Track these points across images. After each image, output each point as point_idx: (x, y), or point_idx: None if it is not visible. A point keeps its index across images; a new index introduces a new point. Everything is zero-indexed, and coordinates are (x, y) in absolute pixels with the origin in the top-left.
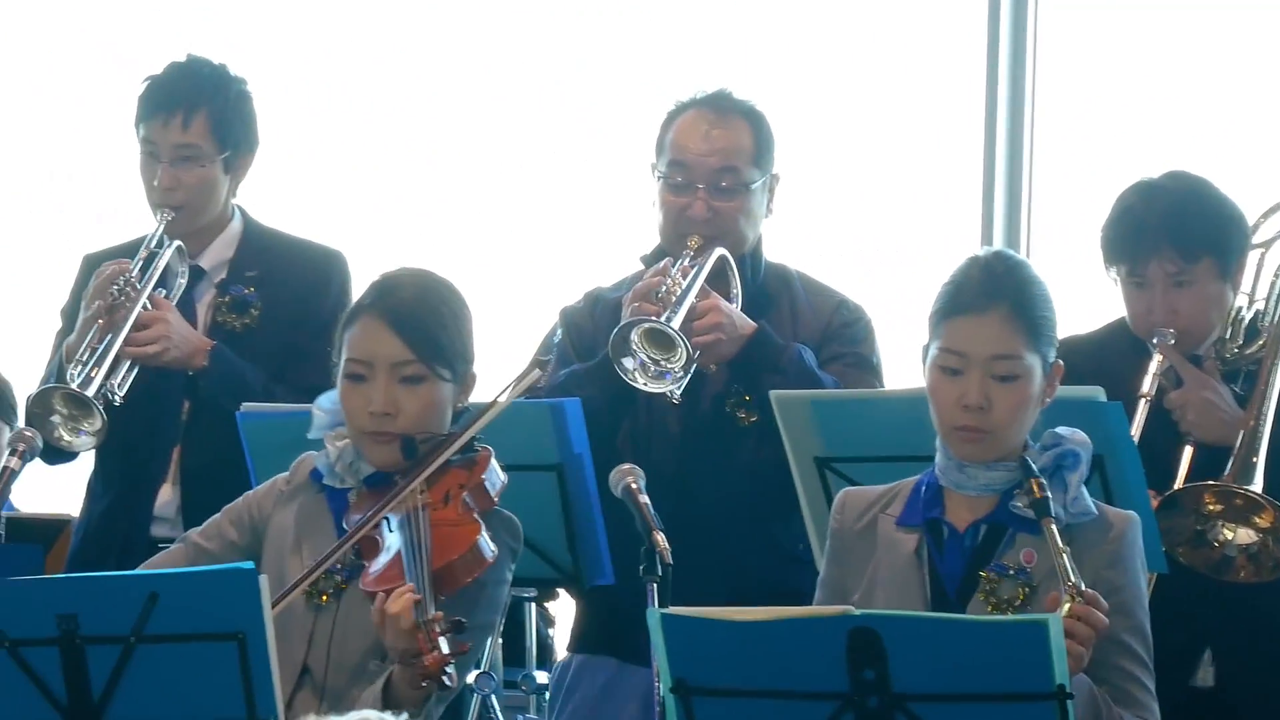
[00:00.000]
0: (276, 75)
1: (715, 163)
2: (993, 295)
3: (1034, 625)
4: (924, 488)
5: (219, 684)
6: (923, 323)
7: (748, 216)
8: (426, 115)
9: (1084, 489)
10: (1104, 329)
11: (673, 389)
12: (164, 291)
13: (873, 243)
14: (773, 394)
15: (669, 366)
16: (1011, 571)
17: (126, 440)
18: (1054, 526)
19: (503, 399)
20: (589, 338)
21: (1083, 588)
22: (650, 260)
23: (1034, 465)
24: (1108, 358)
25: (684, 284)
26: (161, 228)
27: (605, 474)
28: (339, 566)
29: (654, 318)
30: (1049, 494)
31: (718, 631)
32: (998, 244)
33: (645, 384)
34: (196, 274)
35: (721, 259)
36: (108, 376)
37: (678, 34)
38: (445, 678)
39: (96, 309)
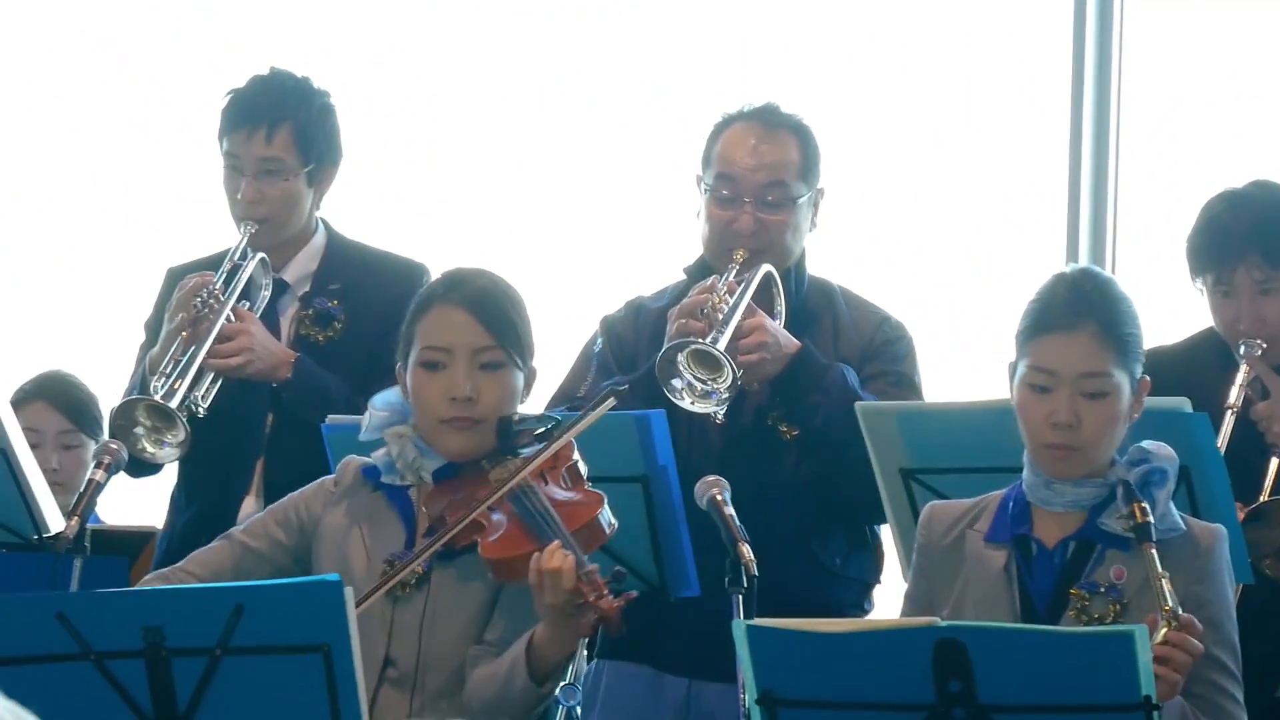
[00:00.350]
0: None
1: (763, 177)
2: (1081, 313)
3: (1120, 636)
4: (1011, 504)
5: (304, 696)
6: (1010, 336)
7: (794, 231)
8: (426, 115)
9: (1171, 505)
10: (1190, 340)
11: (717, 409)
12: (248, 304)
13: (957, 254)
14: (858, 405)
15: (715, 387)
16: (1103, 589)
17: (210, 452)
18: (1154, 551)
19: (593, 413)
20: (630, 346)
21: (1180, 613)
22: (693, 272)
23: (1134, 486)
24: (1194, 369)
25: (730, 301)
26: (245, 241)
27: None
28: (416, 559)
29: (700, 339)
30: (1151, 518)
31: (804, 643)
32: (1083, 256)
33: (691, 404)
34: (280, 287)
35: (767, 275)
36: (191, 388)
37: (684, 34)
38: (623, 622)
39: (180, 321)
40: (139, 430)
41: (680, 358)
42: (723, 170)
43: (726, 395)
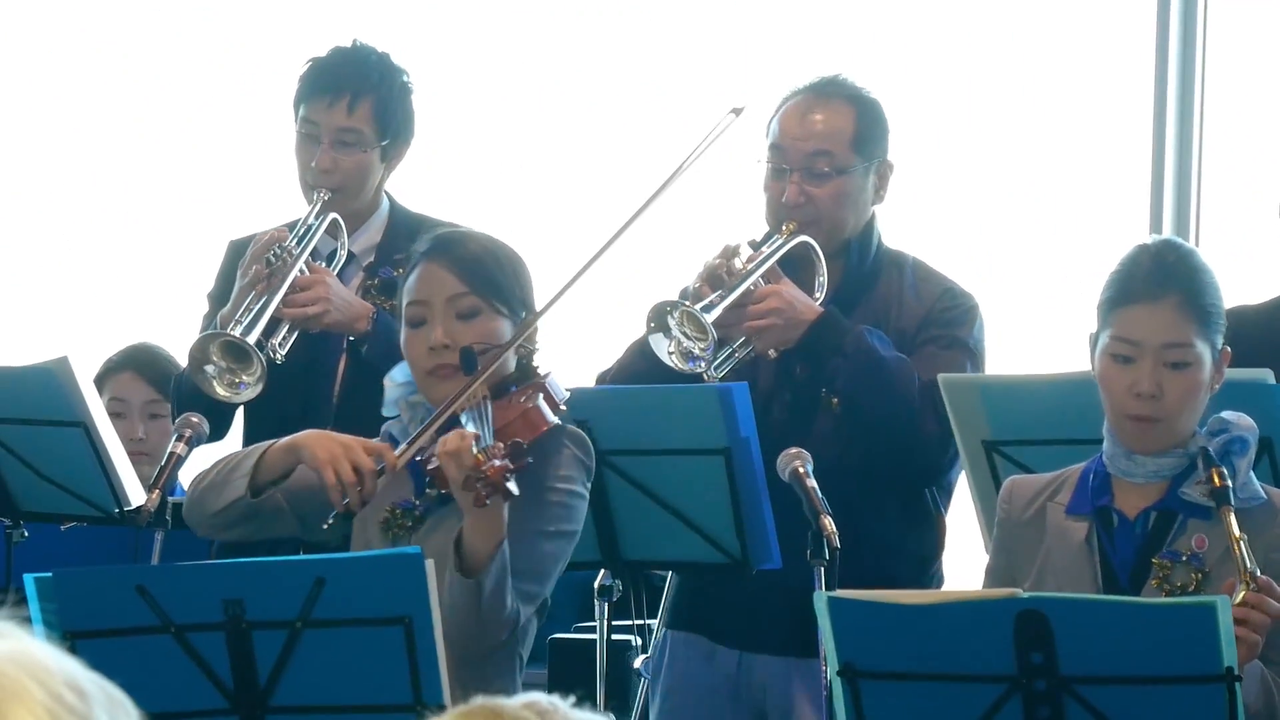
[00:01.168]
0: (276, 76)
1: (810, 146)
2: (1164, 284)
3: (1202, 607)
4: (1091, 476)
5: (385, 668)
6: (1093, 310)
7: (843, 202)
8: (426, 116)
9: (1252, 474)
10: (1274, 300)
11: (706, 372)
12: (322, 263)
13: (1042, 226)
14: (941, 377)
15: (695, 351)
16: (1185, 558)
17: (280, 414)
18: (1232, 515)
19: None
20: None
21: (1259, 574)
22: (758, 245)
23: (1212, 453)
24: (1278, 329)
25: (749, 268)
26: (316, 208)
27: None
28: (415, 503)
29: (686, 302)
30: (1230, 483)
31: (885, 615)
32: (1167, 228)
33: (671, 359)
34: (346, 257)
35: (804, 246)
36: (267, 336)
37: (689, 33)
38: (509, 485)
39: (254, 274)
40: (210, 369)
41: (672, 316)
42: (774, 141)
43: (704, 362)
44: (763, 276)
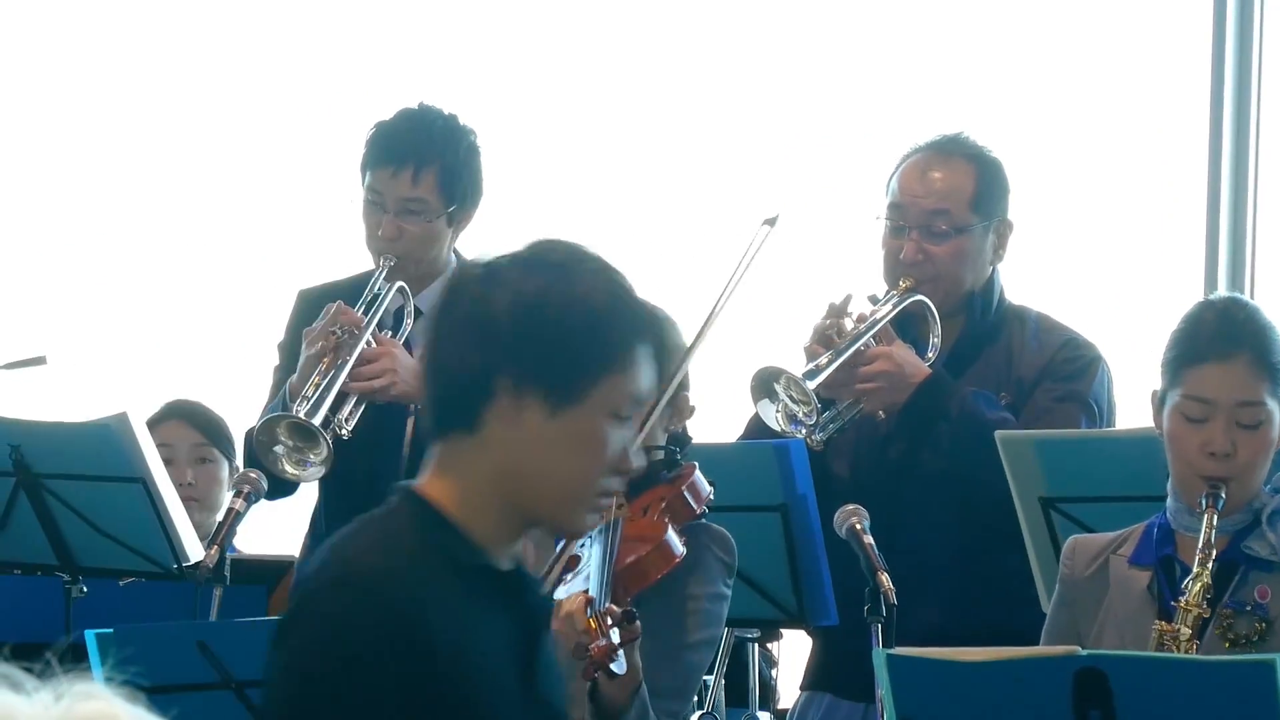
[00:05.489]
0: (275, 77)
1: (930, 204)
2: (1234, 342)
3: (1261, 665)
4: (1156, 529)
5: None
6: (1148, 363)
7: (961, 260)
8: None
9: None
10: None
11: (812, 436)
12: (389, 333)
13: (1095, 280)
14: (997, 434)
15: (801, 416)
16: (1248, 608)
17: (350, 478)
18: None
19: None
20: None
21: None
22: (879, 302)
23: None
24: None
25: (860, 329)
26: (383, 274)
27: (828, 505)
28: None
29: (788, 369)
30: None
31: (944, 672)
32: (1222, 284)
33: (777, 424)
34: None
35: (920, 304)
36: (334, 411)
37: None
38: (613, 665)
39: (320, 348)
40: (279, 449)
41: (778, 382)
42: (894, 200)
43: (811, 425)
44: (874, 336)
